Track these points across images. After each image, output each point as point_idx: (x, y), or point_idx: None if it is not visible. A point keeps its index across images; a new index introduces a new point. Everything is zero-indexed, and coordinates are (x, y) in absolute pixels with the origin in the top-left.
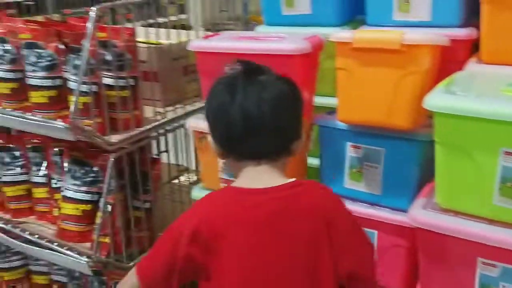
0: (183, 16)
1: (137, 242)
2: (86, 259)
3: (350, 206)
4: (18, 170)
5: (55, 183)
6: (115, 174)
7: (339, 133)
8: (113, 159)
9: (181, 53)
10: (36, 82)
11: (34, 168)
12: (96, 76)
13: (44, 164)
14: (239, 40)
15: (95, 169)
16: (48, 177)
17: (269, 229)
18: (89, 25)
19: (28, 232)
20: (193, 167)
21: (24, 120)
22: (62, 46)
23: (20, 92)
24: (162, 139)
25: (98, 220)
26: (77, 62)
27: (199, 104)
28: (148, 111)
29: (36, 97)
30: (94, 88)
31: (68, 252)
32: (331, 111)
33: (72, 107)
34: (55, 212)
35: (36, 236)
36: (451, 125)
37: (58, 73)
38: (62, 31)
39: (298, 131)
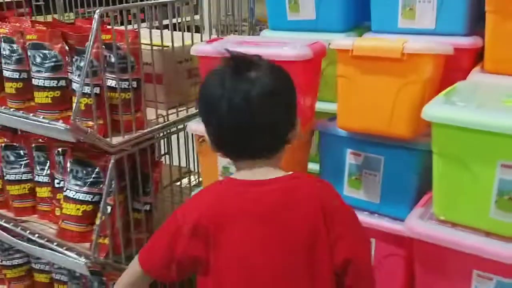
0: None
1: (137, 244)
2: (84, 260)
3: None
4: (22, 169)
5: (58, 183)
6: (116, 176)
7: (339, 140)
8: (113, 161)
9: (185, 56)
10: (40, 82)
11: (38, 167)
12: (99, 78)
13: (48, 163)
14: (241, 45)
15: (97, 170)
16: (51, 176)
17: (269, 220)
18: (93, 27)
19: (29, 231)
20: (196, 169)
21: (26, 120)
22: (67, 48)
23: (25, 92)
24: (165, 141)
25: (97, 221)
26: (81, 63)
27: None
28: (151, 113)
29: (40, 97)
30: (97, 89)
31: (66, 252)
32: (333, 117)
33: (73, 109)
34: (57, 212)
35: (37, 235)
36: (449, 135)
37: (62, 74)
38: (67, 32)
39: (291, 122)
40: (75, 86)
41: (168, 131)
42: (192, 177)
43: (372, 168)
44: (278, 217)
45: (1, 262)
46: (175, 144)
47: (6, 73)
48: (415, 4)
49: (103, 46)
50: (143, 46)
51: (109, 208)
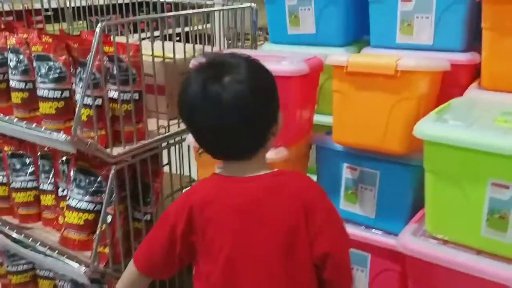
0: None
1: None
2: (84, 268)
3: None
4: (28, 176)
5: (62, 191)
6: (117, 185)
7: (336, 154)
8: (114, 171)
9: (187, 68)
10: (45, 93)
11: (42, 175)
12: (101, 89)
13: (52, 172)
14: None
15: (99, 179)
16: (55, 185)
17: (251, 215)
18: (94, 41)
19: (31, 239)
20: (198, 178)
21: (29, 131)
22: (71, 60)
23: (30, 102)
24: (167, 151)
25: (97, 231)
26: (84, 75)
27: None
28: (153, 124)
29: (45, 107)
30: (98, 101)
31: (67, 260)
32: (330, 131)
33: (74, 120)
34: (61, 220)
35: (39, 243)
36: (440, 153)
37: (67, 85)
38: (71, 45)
39: (272, 119)
40: (78, 97)
41: (169, 142)
42: None
43: (368, 183)
44: (260, 212)
45: (7, 267)
46: (179, 153)
47: (13, 83)
48: (413, 20)
49: (107, 58)
50: (146, 58)
51: (109, 218)
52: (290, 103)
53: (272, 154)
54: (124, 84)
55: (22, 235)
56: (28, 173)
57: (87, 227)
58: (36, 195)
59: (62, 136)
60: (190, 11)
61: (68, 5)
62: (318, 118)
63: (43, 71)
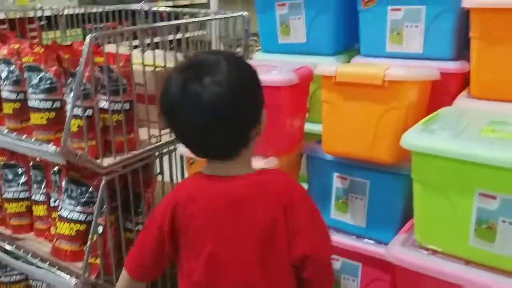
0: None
1: None
2: (74, 280)
3: (336, 237)
4: (20, 187)
5: (54, 202)
6: (108, 196)
7: (326, 163)
8: (104, 182)
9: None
10: (36, 103)
11: (35, 185)
12: (91, 100)
13: (44, 182)
14: None
15: (90, 189)
16: (47, 195)
17: (231, 215)
18: (84, 52)
19: (23, 250)
20: None
21: (19, 142)
22: (62, 70)
23: (22, 113)
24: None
25: (88, 242)
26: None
27: None
28: (145, 133)
29: (36, 118)
30: (89, 112)
31: (58, 272)
32: (321, 139)
33: (64, 131)
34: (53, 230)
35: (30, 254)
36: (427, 164)
37: (58, 96)
38: (62, 55)
39: (254, 119)
40: (69, 107)
41: (161, 151)
42: None
43: (358, 192)
44: (240, 211)
45: (0, 278)
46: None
47: (4, 94)
48: (403, 28)
49: (98, 68)
50: (137, 67)
51: (100, 228)
52: (280, 113)
53: (263, 164)
54: (114, 94)
55: (14, 246)
56: (20, 183)
57: (79, 237)
58: (28, 205)
59: (51, 147)
60: (182, 21)
61: (60, 13)
62: (309, 127)
63: (34, 81)
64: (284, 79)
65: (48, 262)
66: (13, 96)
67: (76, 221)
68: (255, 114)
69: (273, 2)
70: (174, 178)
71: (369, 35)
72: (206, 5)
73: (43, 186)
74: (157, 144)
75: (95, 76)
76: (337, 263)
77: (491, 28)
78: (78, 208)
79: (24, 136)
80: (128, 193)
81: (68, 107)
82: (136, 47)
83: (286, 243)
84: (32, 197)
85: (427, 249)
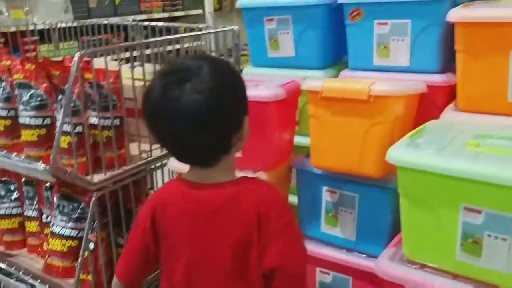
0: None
1: None
2: None
3: (326, 251)
4: (12, 203)
5: (46, 218)
6: (99, 212)
7: (315, 177)
8: (95, 198)
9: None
10: (26, 120)
11: (27, 201)
12: (81, 117)
13: (37, 198)
14: None
15: (82, 205)
16: (39, 211)
17: (207, 223)
18: (72, 69)
19: (14, 267)
20: None
21: (8, 160)
22: (53, 87)
23: (13, 130)
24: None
25: (80, 258)
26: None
27: None
28: (135, 148)
29: (27, 135)
30: (79, 128)
31: None
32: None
33: (53, 149)
34: (45, 246)
35: (22, 271)
36: (412, 178)
37: (48, 113)
38: (53, 72)
39: (233, 127)
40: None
41: (153, 166)
42: None
43: (347, 206)
44: (215, 221)
45: None
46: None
47: None
48: (389, 42)
49: (88, 84)
50: (127, 81)
51: (92, 245)
52: (268, 128)
53: None
54: (104, 110)
55: (6, 264)
56: (12, 199)
57: (71, 254)
58: (21, 221)
59: (40, 165)
60: (172, 36)
61: (53, 26)
62: (299, 140)
63: (24, 98)
64: (271, 94)
65: (39, 280)
66: (4, 113)
67: (68, 237)
68: (236, 121)
69: (261, 17)
70: None
71: (357, 48)
72: (201, 16)
73: (35, 202)
74: (148, 159)
75: (85, 92)
76: (328, 276)
77: (475, 41)
78: (70, 224)
79: (14, 154)
80: (119, 208)
81: (58, 124)
82: (127, 59)
83: (258, 254)
84: (25, 213)
85: (415, 263)
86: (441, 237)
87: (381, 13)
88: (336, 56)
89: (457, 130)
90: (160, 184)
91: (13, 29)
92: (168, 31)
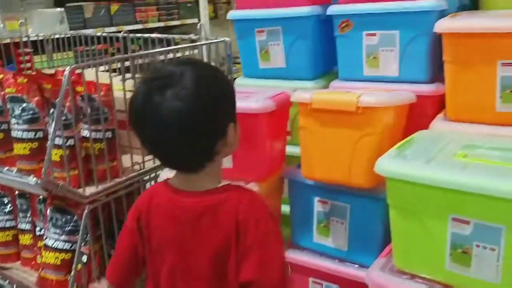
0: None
1: None
2: None
3: (318, 261)
4: (6, 216)
5: (39, 231)
6: (92, 225)
7: (307, 187)
8: (87, 211)
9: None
10: (19, 134)
11: (20, 214)
12: (72, 130)
13: (30, 211)
14: None
15: (75, 218)
16: (33, 224)
17: (188, 232)
18: (63, 83)
19: (8, 281)
20: None
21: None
22: (45, 100)
23: (5, 143)
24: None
25: (72, 271)
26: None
27: None
28: (128, 160)
29: (19, 148)
30: (71, 141)
31: None
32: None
33: (44, 162)
34: (39, 259)
35: (15, 285)
36: (401, 189)
37: (40, 126)
38: (44, 85)
39: (218, 133)
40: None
41: (145, 178)
42: None
43: (339, 216)
44: (195, 229)
45: None
46: None
47: None
48: (378, 53)
49: (79, 98)
50: (119, 94)
51: (85, 257)
52: (259, 139)
53: None
54: (96, 123)
55: (0, 277)
56: (6, 212)
57: (64, 267)
58: (15, 234)
59: (32, 179)
60: (163, 48)
61: (47, 38)
62: (292, 150)
63: (17, 112)
64: (260, 106)
65: None
66: None
67: (61, 250)
68: (219, 128)
69: (252, 29)
70: None
71: (346, 59)
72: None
73: (28, 215)
74: (141, 170)
75: (76, 105)
76: (320, 287)
77: (463, 52)
78: (63, 237)
79: (6, 168)
80: (112, 221)
81: (50, 137)
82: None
83: (235, 265)
84: (18, 226)
85: (405, 273)
86: (430, 247)
87: (369, 24)
88: (326, 67)
89: (445, 141)
90: None
91: (7, 40)
92: (162, 41)
